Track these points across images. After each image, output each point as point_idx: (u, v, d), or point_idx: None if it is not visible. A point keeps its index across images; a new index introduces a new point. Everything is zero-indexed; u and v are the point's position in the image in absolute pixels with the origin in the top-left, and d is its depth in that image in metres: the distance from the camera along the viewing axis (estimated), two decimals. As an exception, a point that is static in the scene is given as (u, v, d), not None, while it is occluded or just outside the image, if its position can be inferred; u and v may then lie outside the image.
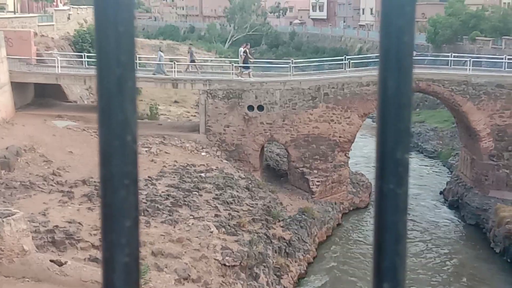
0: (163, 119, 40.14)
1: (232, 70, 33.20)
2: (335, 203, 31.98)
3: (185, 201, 24.51)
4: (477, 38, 54.86)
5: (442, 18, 59.30)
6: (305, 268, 25.73)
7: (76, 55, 40.05)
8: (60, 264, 16.44)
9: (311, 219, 28.73)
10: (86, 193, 23.32)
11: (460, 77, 32.85)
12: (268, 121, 31.59)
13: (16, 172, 24.80)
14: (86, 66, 35.54)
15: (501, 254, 27.76)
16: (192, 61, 35.81)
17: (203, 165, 29.12)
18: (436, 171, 41.16)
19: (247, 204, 26.48)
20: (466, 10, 59.35)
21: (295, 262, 25.22)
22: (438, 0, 79.77)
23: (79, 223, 20.37)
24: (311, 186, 31.89)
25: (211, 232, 22.30)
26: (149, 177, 26.31)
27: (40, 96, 34.89)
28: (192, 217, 23.21)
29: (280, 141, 32.63)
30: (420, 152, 45.19)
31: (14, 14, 54.98)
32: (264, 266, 22.84)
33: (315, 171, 31.93)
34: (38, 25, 42.22)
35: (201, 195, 25.62)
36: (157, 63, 33.74)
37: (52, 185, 24.09)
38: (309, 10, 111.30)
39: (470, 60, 34.42)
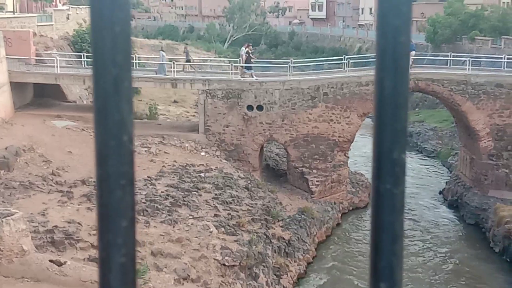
0: (163, 119, 40.14)
1: (232, 70, 33.19)
2: (335, 203, 31.98)
3: (184, 201, 24.51)
4: (476, 37, 54.87)
5: (441, 18, 59.31)
6: (305, 268, 25.73)
7: (75, 55, 40.05)
8: (60, 264, 16.44)
9: (310, 219, 28.73)
10: (85, 193, 23.32)
11: (459, 76, 32.86)
12: (267, 121, 31.59)
13: (15, 172, 24.79)
14: (85, 66, 35.53)
15: (500, 253, 27.77)
16: (188, 60, 35.81)
17: (203, 165, 29.12)
18: (435, 171, 41.16)
19: (246, 204, 26.48)
20: (465, 9, 59.36)
21: (295, 262, 25.22)
22: (437, -1, 79.79)
23: (79, 223, 20.37)
24: (310, 186, 31.90)
25: (211, 232, 22.31)
26: (148, 177, 26.30)
27: (39, 96, 34.88)
28: (191, 217, 23.22)
29: (280, 141, 32.63)
30: (420, 152, 45.20)
31: (13, 14, 54.97)
32: (264, 266, 22.84)
33: (315, 171, 31.93)
34: (37, 25, 42.22)
35: (200, 195, 25.62)
36: (159, 63, 33.73)
37: (51, 185, 24.09)
38: (308, 9, 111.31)
39: (469, 60, 34.43)
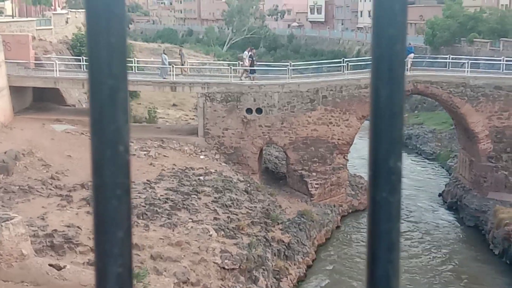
0: (162, 122, 40.12)
1: (231, 73, 33.20)
2: (334, 206, 31.97)
3: (184, 204, 24.50)
4: (475, 40, 54.94)
5: (440, 20, 59.39)
6: (305, 271, 25.71)
7: (74, 58, 40.06)
8: (59, 268, 16.42)
9: (310, 221, 28.71)
10: (85, 197, 23.29)
11: (458, 79, 32.88)
12: (266, 124, 31.60)
13: (15, 176, 24.77)
14: (84, 69, 35.53)
15: (500, 255, 27.75)
16: (183, 63, 35.82)
17: (202, 168, 29.11)
18: (434, 173, 41.16)
19: (246, 207, 26.47)
20: (464, 12, 59.44)
21: (294, 265, 25.20)
22: (436, 2, 79.94)
23: (78, 227, 20.35)
24: (310, 189, 31.89)
25: (210, 235, 22.30)
26: (148, 180, 26.29)
27: (38, 100, 34.88)
28: (191, 220, 23.20)
29: (279, 144, 32.63)
30: (419, 154, 45.22)
31: (12, 18, 55.05)
32: (264, 269, 22.81)
33: (314, 174, 31.93)
34: (36, 29, 42.26)
35: (200, 199, 25.60)
36: (162, 67, 33.73)
37: (50, 189, 24.07)
38: (307, 12, 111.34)
39: (468, 62, 34.47)
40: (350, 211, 33.05)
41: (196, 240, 21.61)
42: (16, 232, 15.94)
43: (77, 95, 39.19)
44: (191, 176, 27.81)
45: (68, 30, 49.35)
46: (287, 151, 32.21)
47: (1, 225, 15.64)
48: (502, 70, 34.43)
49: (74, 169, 26.20)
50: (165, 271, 19.24)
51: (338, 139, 31.97)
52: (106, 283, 1.01)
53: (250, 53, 33.46)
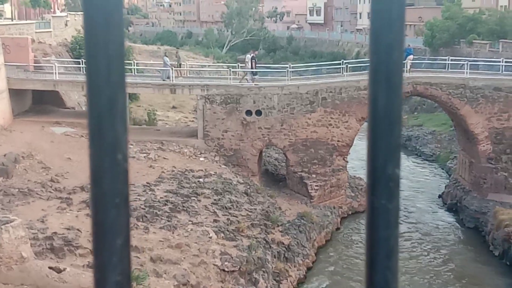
0: (161, 124, 40.13)
1: (230, 75, 33.21)
2: (334, 208, 31.95)
3: (183, 206, 24.49)
4: (474, 41, 54.99)
5: (439, 22, 59.45)
6: (305, 273, 25.69)
7: (73, 61, 40.05)
8: (59, 271, 16.42)
9: (310, 223, 28.70)
10: (85, 199, 23.29)
11: (457, 80, 32.90)
12: (266, 125, 31.61)
13: (14, 179, 24.77)
14: (84, 72, 35.42)
15: (500, 257, 27.75)
16: (179, 65, 35.82)
17: (202, 170, 29.11)
18: (434, 175, 41.16)
19: (245, 209, 26.47)
20: (463, 13, 59.51)
21: (294, 267, 25.18)
22: (435, 3, 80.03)
23: (78, 229, 20.35)
24: (309, 191, 31.88)
25: (210, 237, 22.29)
26: (147, 183, 26.29)
27: (38, 102, 34.88)
28: (190, 222, 23.20)
29: (279, 146, 32.63)
30: (419, 156, 45.21)
31: (12, 21, 55.07)
32: (263, 271, 22.80)
33: (314, 176, 31.93)
34: (36, 32, 42.29)
35: (199, 201, 25.60)
36: (163, 69, 33.71)
37: (50, 191, 24.07)
38: (306, 14, 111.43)
39: (467, 64, 34.47)
40: (350, 212, 33.04)
41: (196, 242, 21.61)
42: (16, 235, 15.94)
43: (77, 97, 39.20)
44: (190, 178, 27.81)
45: (68, 32, 49.38)
46: (287, 153, 32.22)
47: (1, 228, 15.64)
48: (502, 72, 34.46)
49: (73, 171, 26.20)
50: (165, 273, 19.24)
51: (338, 141, 31.97)
52: (105, 291, 1.01)
53: (252, 55, 33.53)
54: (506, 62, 35.05)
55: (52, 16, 52.13)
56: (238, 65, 37.76)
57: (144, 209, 23.25)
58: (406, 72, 32.89)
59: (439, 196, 36.31)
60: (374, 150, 1.03)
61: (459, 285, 25.55)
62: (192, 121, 42.23)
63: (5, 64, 31.32)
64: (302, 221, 28.62)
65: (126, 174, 1.03)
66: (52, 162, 27.01)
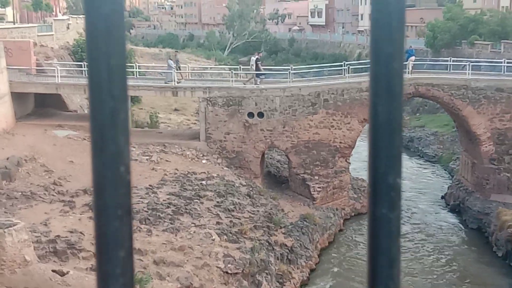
0: (164, 127, 40.17)
1: (232, 77, 33.24)
2: (337, 209, 31.94)
3: (186, 209, 24.50)
4: (476, 42, 54.95)
5: (440, 23, 59.41)
6: (308, 275, 25.68)
7: (75, 64, 40.11)
8: (62, 274, 16.43)
9: (312, 225, 28.69)
10: (87, 202, 23.30)
11: (459, 81, 32.88)
12: (268, 127, 31.61)
13: (17, 182, 24.80)
14: (86, 75, 35.51)
15: (503, 258, 27.71)
16: (178, 68, 35.87)
17: (204, 172, 29.12)
18: (437, 176, 41.13)
19: (248, 211, 26.46)
20: (464, 14, 59.48)
21: (298, 269, 25.18)
22: (437, 4, 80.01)
23: (81, 232, 20.36)
24: (312, 192, 31.87)
25: (213, 239, 22.29)
26: (150, 185, 26.31)
27: (40, 106, 34.93)
28: (193, 225, 23.20)
29: (281, 148, 32.63)
30: (421, 157, 45.18)
31: (14, 24, 55.18)
32: (267, 273, 22.80)
33: (316, 177, 31.92)
34: (38, 35, 42.36)
35: (202, 203, 25.60)
36: (167, 72, 33.72)
37: (53, 194, 24.09)
38: (307, 16, 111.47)
39: (469, 64, 34.45)
40: (353, 214, 33.03)
41: (199, 245, 21.60)
42: (19, 238, 15.96)
43: (79, 100, 39.25)
44: (193, 181, 27.82)
45: (69, 35, 49.46)
46: (289, 154, 32.22)
47: (4, 232, 15.66)
48: (504, 72, 34.41)
49: (76, 174, 26.23)
50: (168, 276, 19.24)
51: (340, 143, 31.97)
52: (108, 303, 1.02)
53: (257, 57, 33.60)
54: (508, 62, 35.01)
55: (54, 19, 52.19)
56: (240, 67, 37.78)
57: (147, 211, 23.26)
58: (408, 73, 32.88)
59: (442, 197, 36.28)
60: (375, 159, 1.04)
61: (463, 286, 25.52)
62: (194, 123, 42.26)
63: (7, 68, 31.38)
64: (305, 223, 28.61)
65: (129, 186, 1.03)
66: (54, 165, 27.05)
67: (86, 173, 25.77)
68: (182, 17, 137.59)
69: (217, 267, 20.79)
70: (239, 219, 25.27)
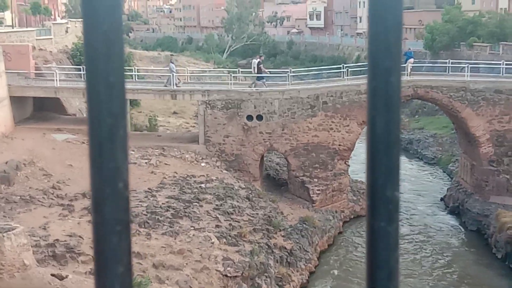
0: (162, 130, 40.16)
1: (231, 80, 33.24)
2: (336, 212, 31.94)
3: (185, 212, 24.49)
4: (474, 44, 54.98)
5: (439, 25, 59.45)
6: (307, 278, 25.67)
7: (74, 68, 40.11)
8: (61, 278, 16.41)
9: (312, 228, 28.68)
10: (86, 206, 23.28)
11: (458, 83, 32.91)
12: (267, 130, 31.62)
13: (16, 186, 24.78)
14: (85, 79, 35.48)
15: (503, 259, 27.71)
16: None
17: (203, 175, 29.12)
18: (436, 178, 41.14)
19: (247, 214, 26.46)
20: (463, 16, 59.51)
21: (297, 271, 25.16)
22: (435, 7, 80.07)
23: (80, 236, 20.34)
24: (311, 195, 31.87)
25: (212, 243, 22.27)
26: (149, 188, 26.30)
27: (39, 109, 34.91)
28: (192, 228, 23.19)
29: (280, 150, 32.64)
30: (420, 159, 45.20)
31: (12, 28, 55.18)
32: (266, 276, 22.79)
33: (315, 180, 31.92)
34: (36, 39, 42.37)
35: (201, 206, 25.60)
36: (169, 75, 33.70)
37: (52, 198, 24.08)
38: (306, 19, 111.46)
39: (468, 66, 34.48)
40: (352, 216, 33.03)
41: (198, 248, 21.59)
42: (18, 242, 15.93)
43: (78, 104, 39.24)
44: (192, 184, 27.81)
45: (68, 39, 49.48)
46: (288, 157, 32.21)
47: (3, 236, 15.64)
48: (502, 74, 34.44)
49: (75, 178, 26.22)
50: (167, 279, 19.22)
51: (339, 145, 31.97)
52: (107, 319, 1.02)
53: (258, 60, 33.63)
54: (506, 64, 35.04)
55: (53, 23, 52.24)
56: (239, 70, 37.79)
57: (146, 215, 23.25)
58: (407, 75, 32.91)
59: (441, 199, 36.29)
60: (373, 172, 1.04)
61: (462, 289, 25.51)
62: (193, 126, 42.26)
63: (6, 72, 31.35)
64: (304, 225, 28.61)
65: (127, 202, 1.04)
66: (53, 169, 27.03)
67: (85, 176, 25.77)
68: (181, 20, 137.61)
69: (217, 270, 20.78)
70: (239, 222, 25.26)
